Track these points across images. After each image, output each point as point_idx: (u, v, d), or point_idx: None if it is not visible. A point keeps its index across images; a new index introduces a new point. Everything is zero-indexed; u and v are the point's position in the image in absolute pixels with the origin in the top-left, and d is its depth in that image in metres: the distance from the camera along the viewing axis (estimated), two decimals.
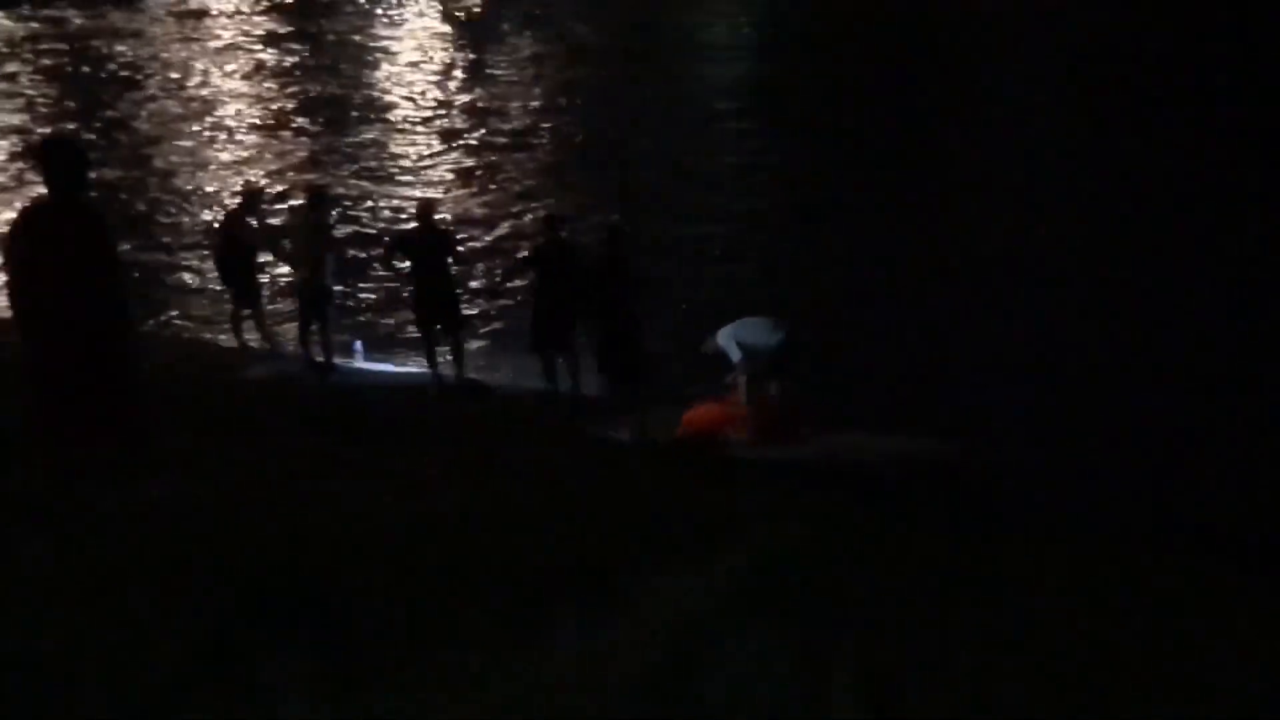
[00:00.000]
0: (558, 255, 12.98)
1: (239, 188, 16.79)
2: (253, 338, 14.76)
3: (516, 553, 5.45)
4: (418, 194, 19.44)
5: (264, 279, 15.14)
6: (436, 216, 14.52)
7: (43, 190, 6.58)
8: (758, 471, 10.16)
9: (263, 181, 19.37)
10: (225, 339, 15.26)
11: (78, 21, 32.93)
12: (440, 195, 19.78)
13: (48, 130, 22.74)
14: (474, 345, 14.70)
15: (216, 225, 14.95)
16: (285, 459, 8.13)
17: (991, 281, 14.98)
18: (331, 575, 4.93)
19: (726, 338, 11.58)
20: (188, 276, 17.44)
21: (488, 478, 7.71)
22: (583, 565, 5.19)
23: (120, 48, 30.31)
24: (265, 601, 4.60)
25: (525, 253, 14.47)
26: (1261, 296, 13.96)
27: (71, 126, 23.80)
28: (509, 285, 15.67)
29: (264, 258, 14.72)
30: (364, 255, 17.20)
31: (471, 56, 28.95)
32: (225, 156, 22.56)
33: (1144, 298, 14.22)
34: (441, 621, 4.48)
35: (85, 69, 28.80)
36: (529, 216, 18.65)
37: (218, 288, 15.46)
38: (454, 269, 13.80)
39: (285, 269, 15.36)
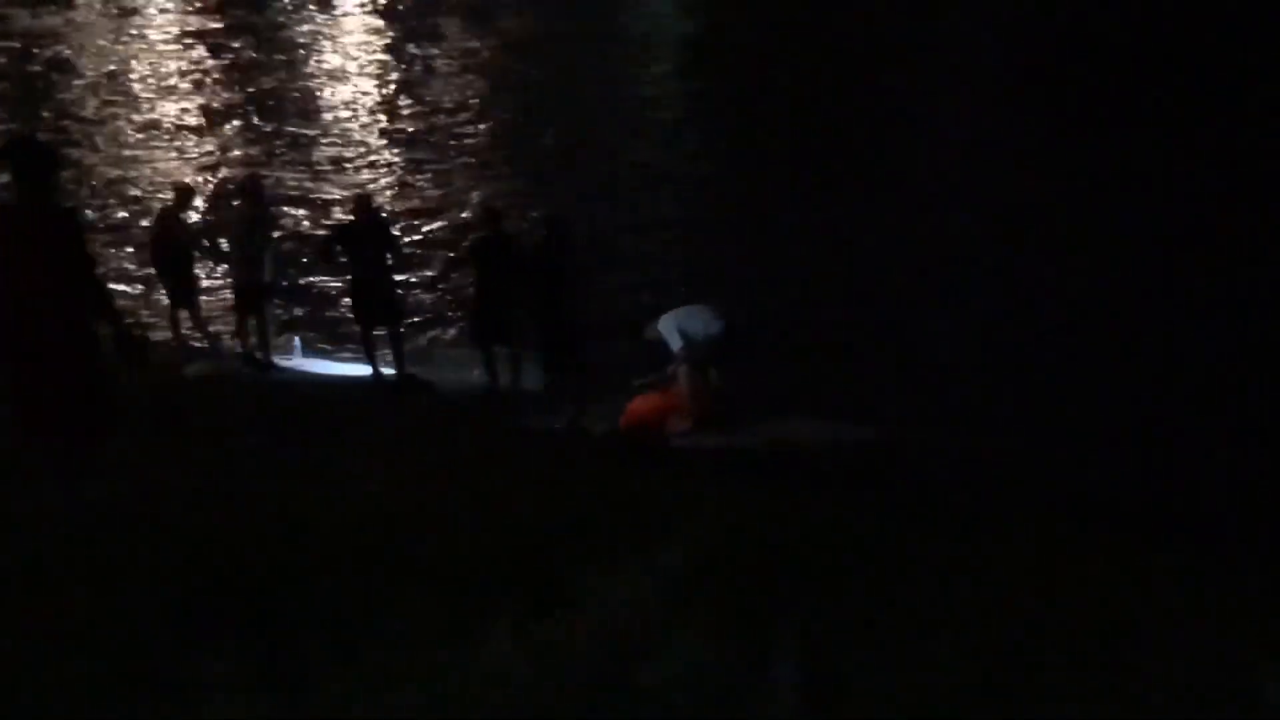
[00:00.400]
0: (497, 248, 12.90)
1: (171, 185, 16.58)
2: (190, 335, 14.60)
3: (454, 548, 5.42)
4: (354, 188, 19.29)
5: (200, 275, 14.98)
6: (375, 209, 14.42)
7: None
8: (697, 461, 10.18)
9: (195, 178, 19.19)
10: (162, 336, 15.08)
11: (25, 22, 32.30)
12: (377, 189, 19.67)
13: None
14: (413, 340, 14.62)
15: (150, 223, 14.77)
16: (220, 458, 8.06)
17: (932, 274, 15.07)
18: (264, 573, 4.88)
19: (668, 325, 11.56)
20: (124, 273, 17.22)
21: (425, 473, 7.67)
22: (520, 559, 5.17)
23: (56, 46, 29.87)
24: (197, 600, 4.55)
25: (465, 245, 14.38)
26: (1202, 283, 14.14)
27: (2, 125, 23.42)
28: (448, 278, 15.59)
29: (199, 256, 14.58)
30: (301, 249, 17.07)
31: (407, 48, 28.80)
32: (158, 153, 22.32)
33: (1085, 289, 14.36)
34: (376, 618, 4.44)
35: (17, 66, 28.37)
36: (465, 212, 18.59)
37: (153, 285, 15.30)
38: (391, 262, 13.70)
39: (223, 265, 15.22)
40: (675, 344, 11.51)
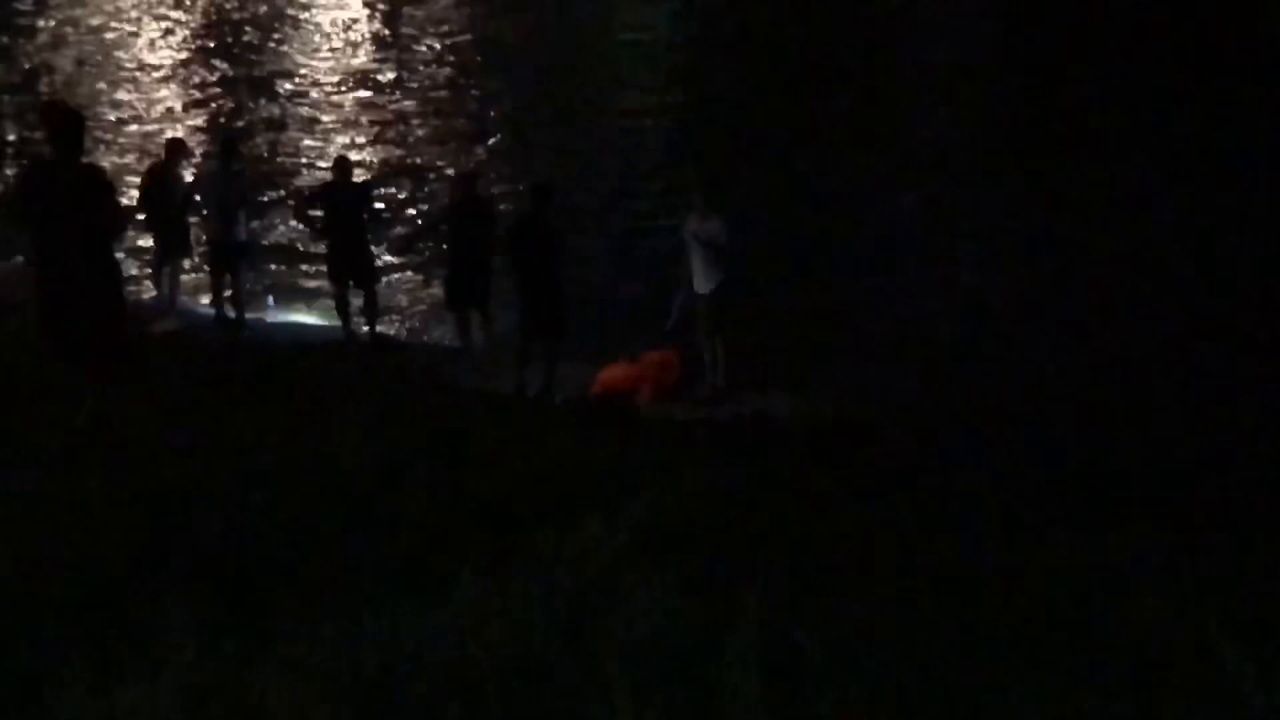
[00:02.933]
0: (473, 211, 12.84)
1: (162, 140, 16.41)
2: (158, 290, 14.50)
3: (420, 504, 5.41)
4: (332, 151, 19.18)
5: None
6: (355, 171, 14.36)
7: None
8: (665, 429, 10.20)
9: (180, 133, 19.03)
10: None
11: None
12: (356, 155, 19.56)
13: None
14: (387, 300, 14.58)
15: (141, 178, 14.64)
16: (185, 412, 8.02)
17: (908, 263, 15.13)
18: (227, 526, 4.86)
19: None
20: None
21: (394, 431, 7.66)
22: (485, 516, 5.17)
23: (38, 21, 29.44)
24: (158, 550, 4.54)
25: (438, 209, 14.30)
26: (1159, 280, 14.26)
27: None
28: (424, 242, 15.53)
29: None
30: (276, 207, 17.00)
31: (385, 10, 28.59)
32: (134, 125, 22.05)
33: (1055, 281, 14.44)
34: (339, 571, 4.44)
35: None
36: (443, 176, 18.51)
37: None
38: (369, 223, 13.65)
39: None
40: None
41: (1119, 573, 5.49)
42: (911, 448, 10.08)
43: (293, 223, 15.58)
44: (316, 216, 13.69)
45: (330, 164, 14.68)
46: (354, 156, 17.85)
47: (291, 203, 16.15)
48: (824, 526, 5.57)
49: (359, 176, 15.22)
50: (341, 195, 13.26)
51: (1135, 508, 8.04)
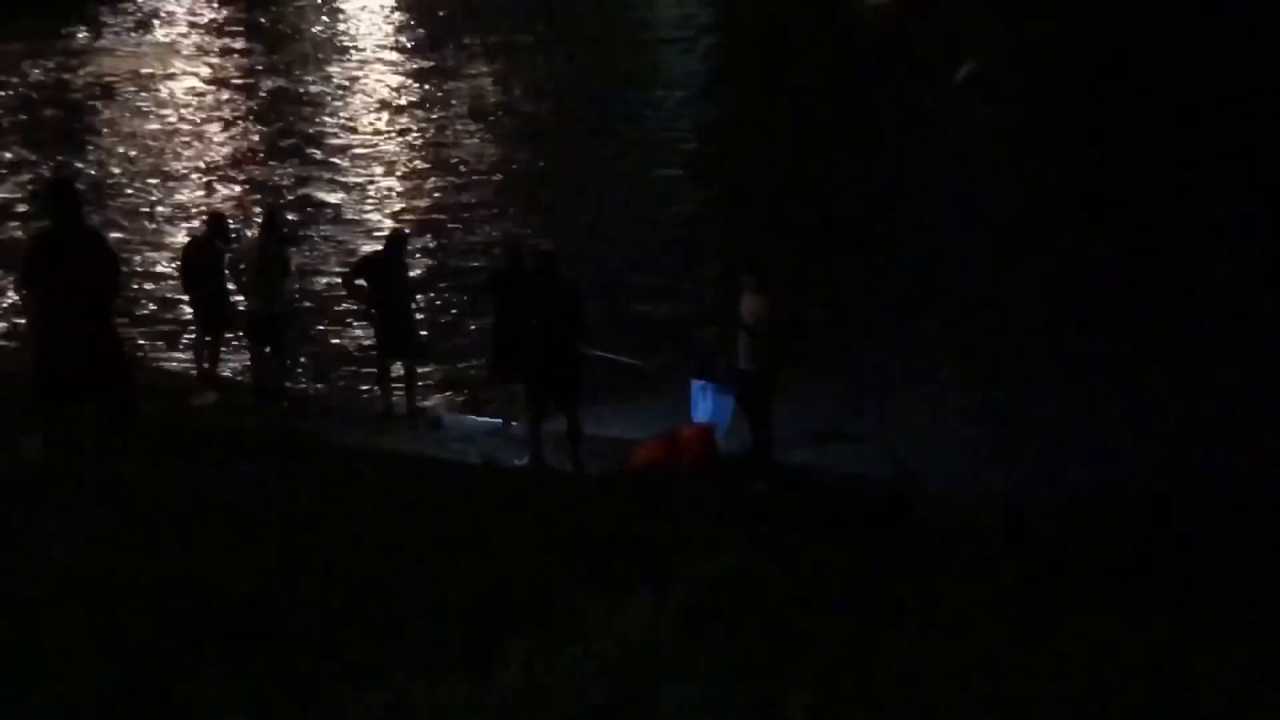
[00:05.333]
0: (519, 282, 12.72)
1: (204, 213, 16.65)
2: (206, 364, 14.59)
3: (462, 581, 5.36)
4: (375, 220, 19.33)
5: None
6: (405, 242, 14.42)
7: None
8: (702, 503, 10.14)
9: (224, 206, 19.25)
10: (173, 363, 15.08)
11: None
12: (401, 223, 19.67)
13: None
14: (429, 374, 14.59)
15: (183, 250, 14.81)
16: (226, 487, 8.01)
17: (940, 316, 15.06)
18: (268, 604, 4.82)
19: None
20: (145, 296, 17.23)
21: (433, 506, 7.63)
22: (529, 593, 5.11)
23: (85, 68, 29.99)
24: (200, 630, 4.50)
25: (484, 278, 14.16)
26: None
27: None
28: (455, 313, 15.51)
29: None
30: (321, 279, 17.12)
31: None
32: (180, 186, 22.33)
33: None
34: (382, 649, 4.39)
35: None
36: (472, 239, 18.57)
37: (173, 312, 15.33)
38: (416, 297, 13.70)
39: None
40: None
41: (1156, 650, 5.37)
42: (960, 519, 9.97)
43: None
44: (361, 287, 13.71)
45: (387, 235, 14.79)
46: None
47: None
48: (870, 602, 5.48)
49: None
50: (392, 266, 13.31)
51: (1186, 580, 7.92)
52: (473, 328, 15.07)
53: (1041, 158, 21.09)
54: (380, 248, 14.04)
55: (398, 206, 20.93)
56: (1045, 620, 5.94)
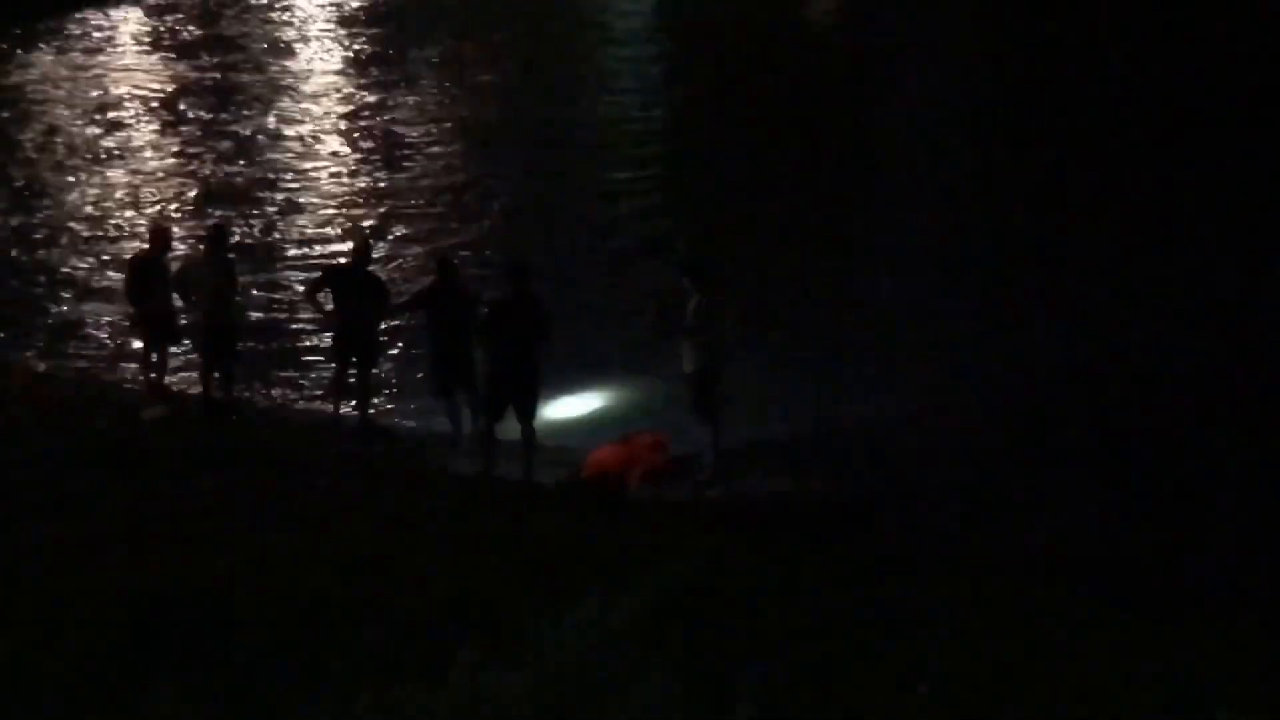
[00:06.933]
0: (450, 296, 12.60)
1: (147, 228, 16.49)
2: (147, 378, 14.47)
3: (410, 591, 5.39)
4: (323, 230, 19.22)
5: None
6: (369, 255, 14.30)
7: None
8: (655, 512, 10.18)
9: (166, 221, 19.03)
10: (112, 377, 14.96)
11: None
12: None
13: None
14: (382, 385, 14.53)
15: (127, 265, 14.67)
16: (179, 499, 8.00)
17: (893, 330, 15.11)
18: (219, 614, 4.84)
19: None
20: (84, 313, 17.06)
21: (381, 517, 7.64)
22: (479, 603, 5.15)
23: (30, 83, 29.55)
24: (150, 639, 4.51)
25: (415, 292, 13.95)
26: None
27: None
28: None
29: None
30: (273, 289, 17.03)
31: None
32: (120, 194, 22.07)
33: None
34: (331, 658, 4.41)
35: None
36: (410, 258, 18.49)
37: (111, 324, 15.22)
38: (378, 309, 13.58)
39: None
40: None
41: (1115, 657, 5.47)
42: (906, 531, 10.05)
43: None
44: (324, 299, 13.55)
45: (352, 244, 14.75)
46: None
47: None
48: (819, 612, 5.56)
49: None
50: (355, 278, 13.23)
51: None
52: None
53: (990, 148, 21.31)
54: (347, 260, 13.99)
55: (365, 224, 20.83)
56: (995, 626, 6.04)
